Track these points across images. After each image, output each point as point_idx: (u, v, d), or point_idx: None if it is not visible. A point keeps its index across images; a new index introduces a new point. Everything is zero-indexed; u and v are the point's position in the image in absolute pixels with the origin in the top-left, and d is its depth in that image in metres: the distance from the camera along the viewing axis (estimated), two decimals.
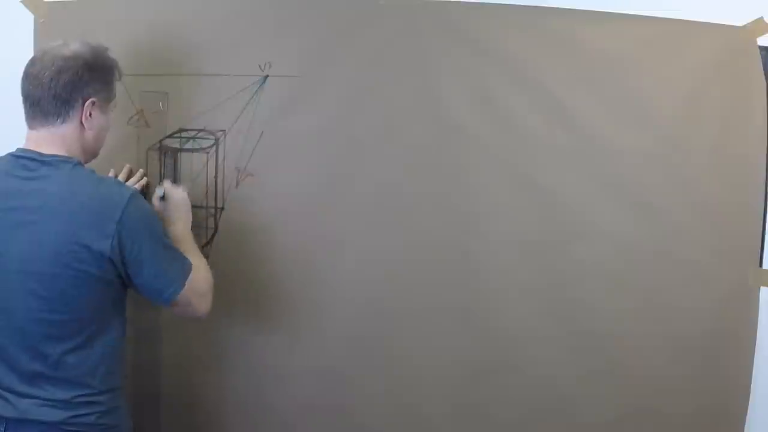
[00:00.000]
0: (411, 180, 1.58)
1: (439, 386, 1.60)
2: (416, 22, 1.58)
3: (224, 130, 1.57)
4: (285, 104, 1.57)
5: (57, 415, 1.22)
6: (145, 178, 1.56)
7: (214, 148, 1.57)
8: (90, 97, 1.27)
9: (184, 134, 1.58)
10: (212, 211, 1.57)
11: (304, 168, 1.57)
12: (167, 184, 1.47)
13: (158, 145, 1.57)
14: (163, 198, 1.44)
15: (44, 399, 1.22)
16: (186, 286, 1.29)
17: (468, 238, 1.58)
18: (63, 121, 1.26)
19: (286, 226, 1.58)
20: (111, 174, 1.53)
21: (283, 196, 1.58)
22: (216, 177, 1.58)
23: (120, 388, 1.32)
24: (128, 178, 1.55)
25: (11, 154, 1.27)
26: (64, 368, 1.23)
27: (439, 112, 1.58)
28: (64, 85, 1.24)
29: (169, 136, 1.57)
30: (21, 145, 1.28)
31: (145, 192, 1.54)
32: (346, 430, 1.60)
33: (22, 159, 1.25)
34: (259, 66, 1.57)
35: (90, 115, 1.27)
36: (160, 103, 1.57)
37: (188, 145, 1.58)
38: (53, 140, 1.26)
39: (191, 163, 1.57)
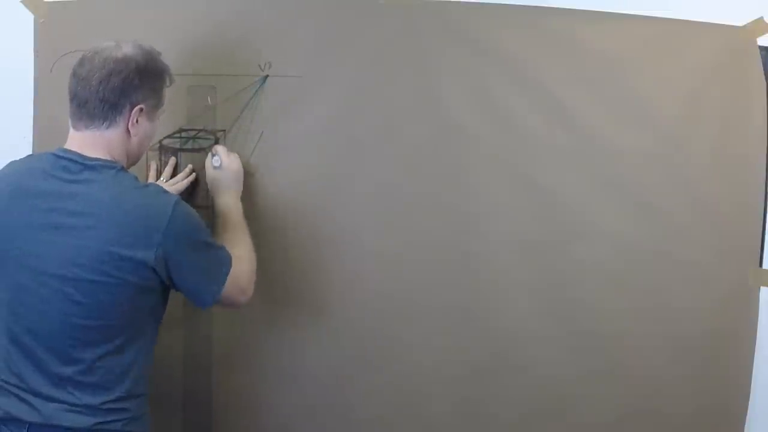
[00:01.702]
0: (411, 180, 1.58)
1: (439, 386, 1.60)
2: (416, 22, 1.58)
3: (224, 130, 1.57)
4: (285, 104, 1.57)
5: (84, 421, 1.19)
6: (194, 174, 1.55)
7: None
8: (138, 104, 1.24)
9: (184, 134, 1.58)
10: (212, 211, 1.57)
11: (304, 168, 1.57)
12: (222, 152, 1.47)
13: (158, 145, 1.57)
14: (219, 167, 1.45)
15: (71, 404, 1.19)
16: (226, 287, 1.29)
17: (468, 238, 1.58)
18: (109, 126, 1.23)
19: (286, 225, 1.58)
20: (152, 172, 1.54)
21: (283, 196, 1.58)
22: None
23: (146, 394, 1.30)
24: (158, 176, 1.55)
25: (52, 154, 1.23)
26: (94, 373, 1.21)
27: (439, 112, 1.58)
28: (113, 89, 1.21)
29: (169, 136, 1.57)
30: (64, 146, 1.24)
31: (191, 189, 1.55)
32: (346, 430, 1.60)
33: (64, 160, 1.21)
34: (259, 66, 1.57)
35: (137, 121, 1.25)
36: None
37: (188, 145, 1.58)
38: (97, 144, 1.22)
39: (191, 163, 1.57)
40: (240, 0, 1.60)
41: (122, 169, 1.25)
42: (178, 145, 1.58)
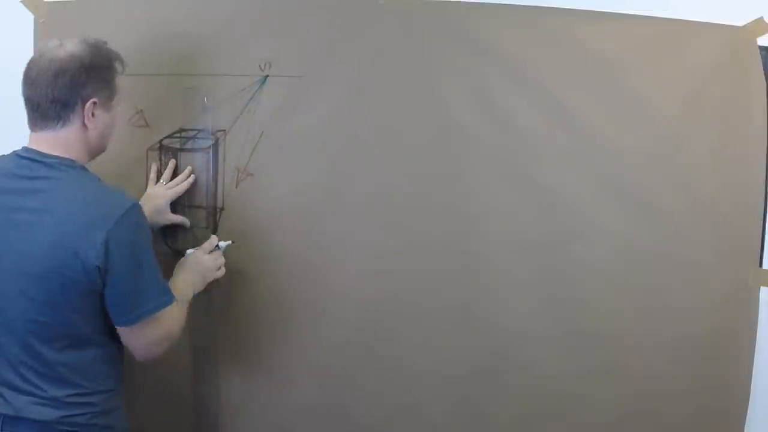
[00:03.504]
0: (411, 180, 1.58)
1: (439, 386, 1.60)
2: (416, 22, 1.58)
3: (224, 130, 1.57)
4: (285, 104, 1.57)
5: (49, 414, 1.22)
6: (193, 176, 1.54)
7: (214, 148, 1.57)
8: (90, 98, 1.24)
9: (184, 134, 1.58)
10: (212, 211, 1.57)
11: (304, 168, 1.57)
12: (206, 244, 1.47)
13: (158, 145, 1.57)
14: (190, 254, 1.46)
15: (39, 397, 1.22)
16: (156, 316, 1.24)
17: (468, 238, 1.58)
18: (64, 125, 1.24)
19: (286, 226, 1.58)
20: (152, 173, 1.54)
21: (283, 196, 1.58)
22: (216, 177, 1.58)
23: (116, 389, 1.31)
24: (158, 177, 1.55)
25: (16, 154, 1.26)
26: (56, 368, 1.22)
27: (439, 112, 1.58)
28: (61, 88, 1.21)
29: (169, 136, 1.57)
30: (26, 144, 1.26)
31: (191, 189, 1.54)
32: (346, 430, 1.60)
33: (25, 159, 1.24)
34: (259, 66, 1.57)
35: (93, 115, 1.25)
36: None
37: (188, 145, 1.58)
38: (55, 143, 1.24)
39: (191, 163, 1.57)
40: (240, 0, 1.60)
41: (83, 168, 1.26)
42: (178, 146, 1.58)
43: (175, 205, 1.55)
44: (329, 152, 1.58)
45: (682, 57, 1.60)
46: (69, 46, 1.24)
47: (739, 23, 1.60)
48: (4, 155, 1.29)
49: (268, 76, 1.57)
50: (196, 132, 1.58)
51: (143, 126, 1.58)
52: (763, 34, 1.60)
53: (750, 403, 1.62)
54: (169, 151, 1.57)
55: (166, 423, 1.61)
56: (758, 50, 1.60)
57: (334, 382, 1.59)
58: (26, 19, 1.58)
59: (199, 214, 1.56)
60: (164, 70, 1.57)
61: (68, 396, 1.23)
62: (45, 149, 1.24)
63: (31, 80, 1.23)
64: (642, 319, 1.59)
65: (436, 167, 1.58)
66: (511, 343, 1.59)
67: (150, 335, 1.26)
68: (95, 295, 1.21)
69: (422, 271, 1.58)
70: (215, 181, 1.58)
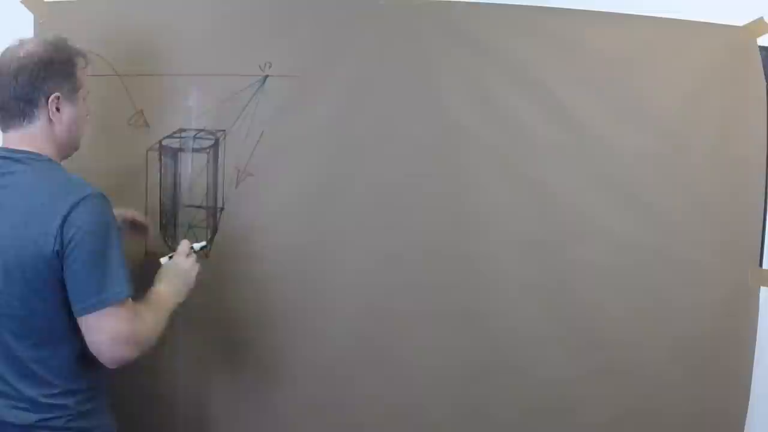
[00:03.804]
0: (411, 180, 1.58)
1: (439, 386, 1.60)
2: (416, 22, 1.58)
3: (224, 130, 1.57)
4: (285, 104, 1.57)
5: (27, 417, 1.21)
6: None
7: (214, 148, 1.57)
8: (53, 92, 1.25)
9: (184, 134, 1.58)
10: (212, 211, 1.57)
11: (304, 168, 1.57)
12: (181, 249, 1.42)
13: (158, 145, 1.57)
14: (170, 258, 1.42)
15: (15, 399, 1.21)
16: (108, 310, 1.18)
17: (468, 238, 1.58)
18: (30, 121, 1.25)
19: (286, 226, 1.58)
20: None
21: (283, 196, 1.57)
22: (216, 177, 1.58)
23: (93, 390, 1.28)
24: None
25: None
26: (29, 364, 1.21)
27: (439, 112, 1.58)
28: (23, 86, 1.23)
29: (169, 136, 1.57)
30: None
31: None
32: (346, 430, 1.60)
33: None
34: (259, 66, 1.57)
35: (57, 109, 1.26)
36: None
37: (188, 145, 1.58)
38: (23, 140, 1.25)
39: (191, 163, 1.57)
40: (240, 0, 1.60)
41: (50, 160, 1.25)
42: (178, 146, 1.58)
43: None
44: (329, 152, 1.58)
45: (682, 57, 1.60)
46: (28, 45, 1.26)
47: (739, 23, 1.60)
48: None
49: (268, 76, 1.57)
50: (196, 132, 1.57)
51: (143, 126, 1.58)
52: (763, 34, 1.60)
53: (750, 403, 1.63)
54: (169, 151, 1.57)
55: (166, 423, 1.61)
56: (758, 50, 1.60)
57: (334, 382, 1.59)
58: (26, 19, 1.58)
59: (199, 214, 1.56)
60: (164, 70, 1.57)
61: (44, 396, 1.22)
62: (14, 146, 1.25)
63: None
64: (642, 319, 1.59)
65: (436, 167, 1.58)
66: (511, 343, 1.59)
67: (112, 329, 1.19)
68: (59, 284, 1.19)
69: (422, 271, 1.58)
70: (215, 181, 1.58)
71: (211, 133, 1.57)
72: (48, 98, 1.25)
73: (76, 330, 1.22)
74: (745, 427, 1.63)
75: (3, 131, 1.28)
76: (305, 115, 1.57)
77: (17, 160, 1.23)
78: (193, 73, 1.56)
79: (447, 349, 1.59)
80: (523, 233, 1.58)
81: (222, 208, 1.57)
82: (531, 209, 1.59)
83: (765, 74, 1.61)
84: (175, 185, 1.57)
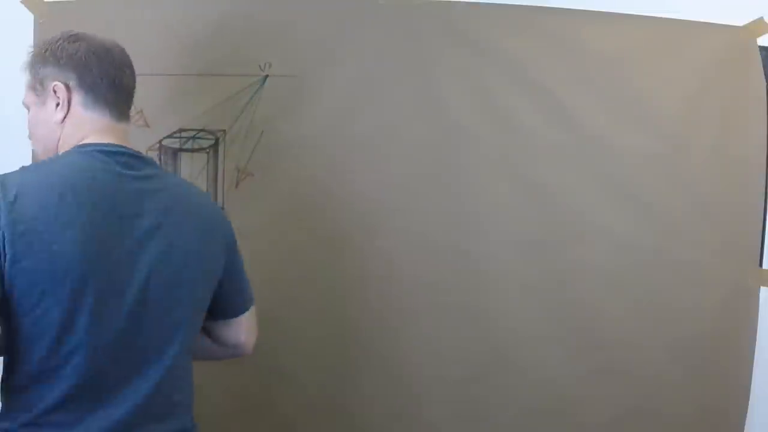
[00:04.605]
0: (411, 180, 1.58)
1: (438, 386, 1.60)
2: (416, 22, 1.58)
3: (224, 130, 1.57)
4: (285, 104, 1.57)
5: None
6: None
7: (213, 148, 1.57)
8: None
9: (184, 134, 1.58)
10: None
11: (304, 168, 1.57)
12: None
13: (158, 145, 1.57)
14: None
15: None
16: (252, 308, 1.29)
17: (468, 238, 1.58)
18: (128, 117, 1.19)
19: (286, 226, 1.58)
20: None
21: (283, 196, 1.58)
22: (216, 177, 1.58)
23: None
24: None
25: (99, 151, 1.08)
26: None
27: (439, 112, 1.58)
28: (132, 79, 1.19)
29: (169, 136, 1.57)
30: (92, 140, 1.11)
31: None
32: (346, 430, 1.60)
33: (120, 156, 1.09)
34: (259, 66, 1.57)
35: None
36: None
37: (188, 145, 1.58)
38: (126, 136, 1.16)
39: (191, 163, 1.57)
40: (240, 0, 1.60)
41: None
42: (177, 146, 1.58)
43: None
44: (329, 152, 1.58)
45: (682, 57, 1.60)
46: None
47: (739, 23, 1.60)
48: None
49: (268, 76, 1.57)
50: (196, 132, 1.57)
51: (143, 126, 1.58)
52: (763, 34, 1.60)
53: (750, 403, 1.63)
54: (169, 151, 1.57)
55: None
56: (758, 50, 1.60)
57: (334, 382, 1.60)
58: (26, 19, 1.58)
59: None
60: (164, 70, 1.57)
61: None
62: (123, 143, 1.15)
63: (118, 65, 1.18)
64: (642, 319, 1.59)
65: (436, 167, 1.58)
66: (511, 343, 1.59)
67: (252, 323, 1.31)
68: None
69: (422, 271, 1.58)
70: (215, 181, 1.58)
71: (210, 133, 1.57)
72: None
73: None
74: (745, 427, 1.63)
75: (116, 120, 1.15)
76: (305, 115, 1.57)
77: (147, 162, 1.13)
78: (193, 73, 1.56)
79: (447, 349, 1.59)
80: (523, 233, 1.58)
81: (222, 208, 1.57)
82: (531, 209, 1.59)
83: (765, 74, 1.61)
84: None
